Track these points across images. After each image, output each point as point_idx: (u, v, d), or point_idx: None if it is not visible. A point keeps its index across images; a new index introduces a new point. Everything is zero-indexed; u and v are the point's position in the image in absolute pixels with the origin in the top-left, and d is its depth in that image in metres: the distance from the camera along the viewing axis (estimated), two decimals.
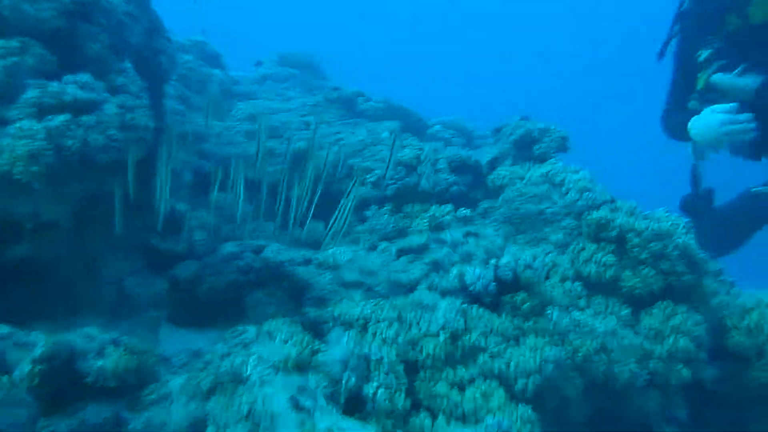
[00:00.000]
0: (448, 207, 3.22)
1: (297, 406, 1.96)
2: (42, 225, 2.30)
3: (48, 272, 2.51)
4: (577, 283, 2.87)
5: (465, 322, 2.39)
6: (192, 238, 3.19)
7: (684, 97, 3.13)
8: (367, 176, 3.46)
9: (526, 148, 3.80)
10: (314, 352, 2.23)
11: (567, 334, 2.53)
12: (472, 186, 3.53)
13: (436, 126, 5.48)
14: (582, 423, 2.54)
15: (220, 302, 2.80)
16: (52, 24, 2.52)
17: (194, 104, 5.41)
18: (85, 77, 2.44)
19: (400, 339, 2.33)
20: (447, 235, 2.79)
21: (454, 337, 2.36)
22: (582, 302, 2.81)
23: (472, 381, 2.29)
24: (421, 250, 2.78)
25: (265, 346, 2.26)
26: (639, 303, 2.86)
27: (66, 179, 2.32)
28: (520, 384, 2.29)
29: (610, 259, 2.92)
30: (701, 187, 3.34)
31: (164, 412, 2.19)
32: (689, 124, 2.91)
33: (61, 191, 2.32)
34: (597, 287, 2.90)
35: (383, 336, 2.33)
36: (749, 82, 2.91)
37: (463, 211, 3.21)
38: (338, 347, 2.26)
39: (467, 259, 2.64)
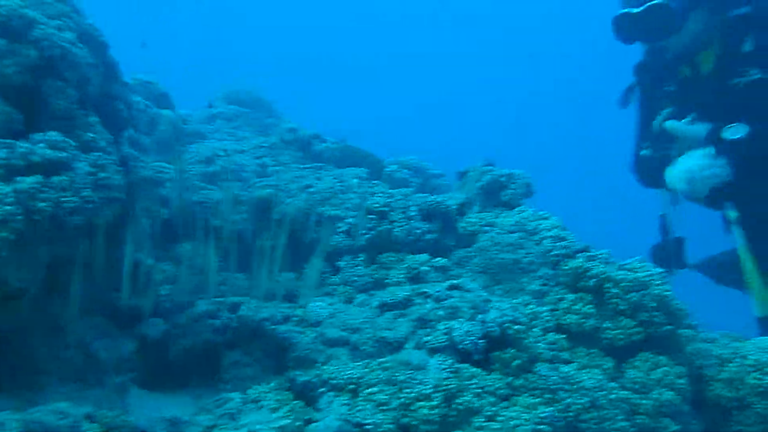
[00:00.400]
0: (424, 256, 3.17)
1: None
2: (8, 294, 2.15)
3: (10, 342, 2.35)
4: (559, 335, 2.84)
5: (457, 382, 2.33)
6: (158, 294, 3.06)
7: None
8: (339, 224, 3.39)
9: (493, 194, 3.79)
10: (307, 422, 2.13)
11: (557, 391, 2.49)
12: (442, 231, 3.48)
13: (392, 166, 5.44)
14: None
15: (194, 364, 2.67)
16: (16, 80, 2.39)
17: (145, 146, 5.25)
18: (54, 135, 2.31)
19: (394, 403, 2.25)
20: (431, 289, 2.73)
21: (448, 398, 2.29)
22: (566, 355, 2.78)
23: None
24: (404, 304, 2.71)
25: (254, 417, 2.15)
26: (620, 353, 2.85)
27: (36, 244, 2.18)
28: None
29: (590, 309, 2.91)
30: (671, 236, 3.41)
31: None
32: (667, 172, 2.98)
33: (30, 257, 2.18)
34: (578, 338, 2.88)
35: (376, 400, 2.24)
36: (700, 129, 3.17)
37: (440, 261, 3.16)
38: (331, 415, 2.17)
39: (453, 314, 2.58)
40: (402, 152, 5.84)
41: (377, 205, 3.43)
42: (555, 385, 2.51)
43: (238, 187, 4.25)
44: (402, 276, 3.05)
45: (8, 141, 2.27)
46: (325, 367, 2.40)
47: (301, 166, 4.75)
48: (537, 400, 2.40)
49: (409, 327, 2.58)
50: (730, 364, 2.88)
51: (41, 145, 2.26)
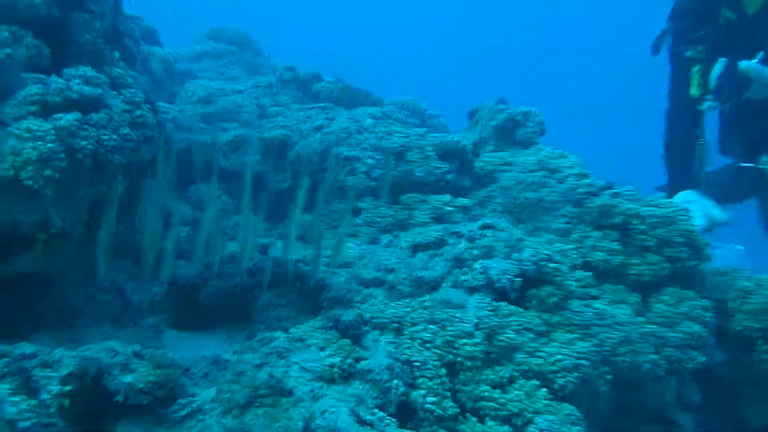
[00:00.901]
0: (447, 197, 3.15)
1: (360, 421, 1.86)
2: (53, 235, 2.10)
3: (53, 284, 2.31)
4: (586, 272, 2.86)
5: (497, 320, 2.34)
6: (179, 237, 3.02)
7: (685, 93, 3.14)
8: (357, 165, 3.35)
9: (508, 133, 3.76)
10: (357, 360, 2.13)
11: (591, 326, 2.52)
12: (459, 172, 3.46)
13: (390, 106, 5.36)
14: (608, 417, 2.54)
15: (225, 306, 2.66)
16: (43, 11, 2.29)
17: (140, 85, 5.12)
18: (88, 71, 2.23)
19: (438, 341, 2.26)
20: (463, 228, 2.72)
21: (490, 336, 2.30)
22: (594, 291, 2.80)
23: (513, 381, 2.25)
24: (438, 244, 2.70)
25: (303, 355, 2.15)
26: (646, 289, 2.88)
27: (78, 183, 2.12)
28: (559, 381, 2.27)
29: (616, 246, 2.92)
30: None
31: (198, 428, 2.05)
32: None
33: (72, 196, 2.13)
34: (605, 275, 2.90)
35: (421, 338, 2.25)
36: None
37: (462, 201, 3.15)
38: (379, 353, 2.17)
39: (488, 253, 2.57)
40: (396, 90, 5.77)
41: (395, 145, 3.39)
42: (589, 321, 2.54)
43: (238, 127, 4.18)
44: (426, 216, 3.03)
45: (39, 75, 2.19)
46: (365, 306, 2.39)
47: (304, 106, 4.67)
48: (574, 335, 2.42)
49: (445, 266, 2.57)
50: (754, 296, 2.93)
51: (76, 81, 2.19)
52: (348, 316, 2.28)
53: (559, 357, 2.30)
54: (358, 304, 2.48)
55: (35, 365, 1.89)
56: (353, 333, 2.26)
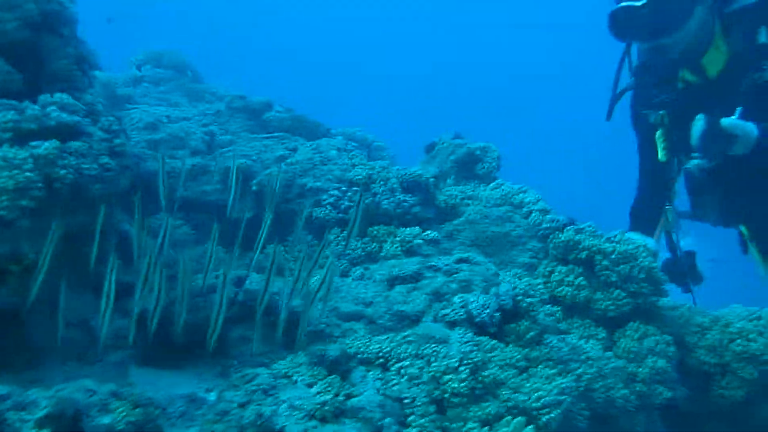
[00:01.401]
0: (417, 229, 3.15)
1: None
2: (27, 268, 1.99)
3: (14, 319, 2.19)
4: (555, 307, 2.90)
5: (481, 355, 2.34)
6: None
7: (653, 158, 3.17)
8: (323, 197, 3.32)
9: (467, 168, 3.81)
10: (348, 397, 2.09)
11: (568, 362, 2.55)
12: (423, 204, 3.47)
13: (338, 137, 5.35)
14: None
15: (197, 340, 2.56)
16: (15, 36, 2.19)
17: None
18: (65, 98, 2.14)
19: (425, 377, 2.24)
20: (438, 262, 2.72)
21: (473, 371, 2.30)
22: (564, 325, 2.85)
23: (499, 417, 2.25)
24: (415, 278, 2.69)
25: (291, 393, 2.09)
26: (611, 324, 2.94)
27: (53, 214, 2.02)
28: (543, 418, 2.28)
29: (582, 281, 2.98)
30: (680, 252, 3.33)
31: None
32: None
33: (47, 228, 2.02)
34: (572, 309, 2.96)
35: (408, 375, 2.23)
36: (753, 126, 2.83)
37: (431, 233, 3.15)
38: (368, 390, 2.14)
39: (467, 287, 2.58)
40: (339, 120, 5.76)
41: (360, 177, 3.38)
42: (566, 356, 2.57)
43: (187, 156, 4.10)
44: (397, 249, 3.02)
45: (12, 102, 2.09)
46: (347, 341, 2.35)
47: (257, 135, 4.60)
48: (553, 371, 2.44)
49: (425, 300, 2.57)
50: (710, 332, 3.03)
51: (53, 107, 2.10)
52: (333, 351, 2.24)
53: (542, 393, 2.31)
54: (339, 339, 2.44)
55: (8, 408, 1.78)
56: (341, 369, 2.22)
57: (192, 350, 2.56)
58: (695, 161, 3.04)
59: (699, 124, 2.83)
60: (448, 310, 2.49)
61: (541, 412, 2.29)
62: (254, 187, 3.50)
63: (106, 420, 1.91)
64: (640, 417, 2.71)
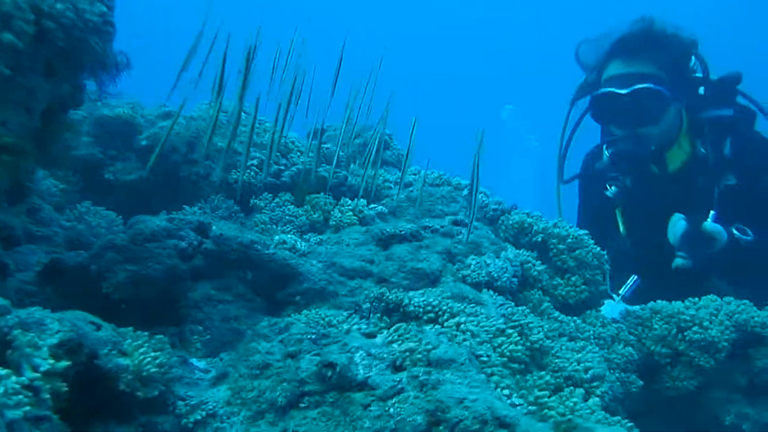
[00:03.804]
0: (362, 201, 2.71)
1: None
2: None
3: None
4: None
5: (524, 319, 1.99)
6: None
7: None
8: (238, 159, 2.75)
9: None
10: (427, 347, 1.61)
11: (576, 339, 2.28)
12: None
13: None
14: None
15: (139, 301, 1.88)
16: None
17: None
18: None
19: (483, 335, 1.82)
20: (432, 223, 2.32)
21: (522, 335, 1.93)
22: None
23: (560, 388, 1.90)
24: (415, 237, 2.26)
25: (357, 341, 1.57)
26: (569, 311, 2.73)
27: (36, 72, 1.37)
28: (598, 391, 1.97)
29: (540, 265, 2.75)
30: None
31: None
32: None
33: (27, 92, 1.36)
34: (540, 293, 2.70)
35: (470, 331, 1.80)
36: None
37: (378, 207, 2.74)
38: (442, 343, 1.67)
39: (476, 249, 2.22)
40: None
41: (287, 140, 2.88)
42: (574, 333, 2.30)
43: None
44: (352, 218, 2.56)
45: None
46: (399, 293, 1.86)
47: None
48: (578, 343, 2.16)
49: (438, 259, 2.15)
50: (654, 321, 2.93)
51: None
52: (394, 296, 1.74)
53: (588, 364, 2.01)
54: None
55: (12, 324, 1.10)
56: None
57: (137, 314, 1.88)
58: (680, 260, 3.12)
59: (679, 224, 2.98)
60: (468, 271, 2.11)
61: (592, 384, 1.98)
62: (143, 142, 2.82)
63: (125, 362, 1.27)
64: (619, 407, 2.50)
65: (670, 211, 3.12)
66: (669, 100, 3.02)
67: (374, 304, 1.77)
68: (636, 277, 3.31)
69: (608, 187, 3.35)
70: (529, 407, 1.65)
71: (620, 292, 3.28)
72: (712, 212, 3.01)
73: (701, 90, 3.19)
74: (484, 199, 2.99)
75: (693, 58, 3.20)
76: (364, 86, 2.03)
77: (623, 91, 2.97)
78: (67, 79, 1.50)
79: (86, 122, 2.82)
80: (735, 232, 3.02)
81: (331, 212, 2.58)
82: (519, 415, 1.30)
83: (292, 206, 2.59)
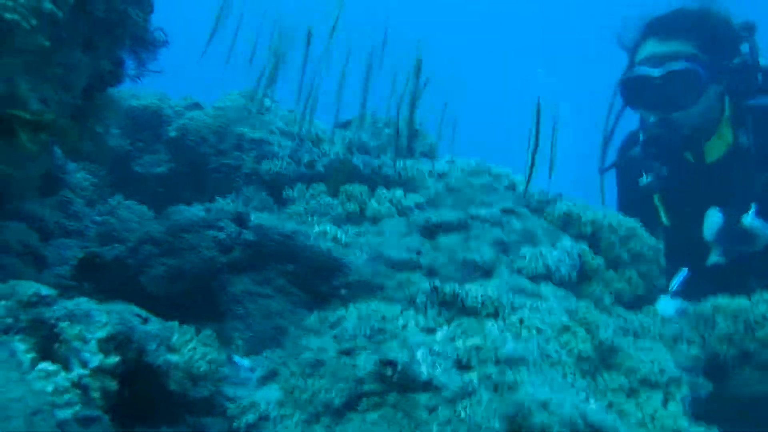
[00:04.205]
0: (399, 191, 2.54)
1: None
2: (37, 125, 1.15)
3: None
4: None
5: (590, 315, 1.81)
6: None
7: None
8: (276, 149, 2.59)
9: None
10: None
11: (645, 332, 2.10)
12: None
13: None
14: None
15: (181, 294, 1.73)
16: None
17: None
18: None
19: (549, 332, 1.65)
20: (482, 212, 2.15)
21: (588, 331, 1.75)
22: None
23: (635, 391, 1.71)
24: (464, 226, 2.09)
25: (416, 336, 1.40)
26: (627, 307, 2.55)
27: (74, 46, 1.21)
28: (676, 395, 1.78)
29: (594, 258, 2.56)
30: None
31: None
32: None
33: (67, 66, 1.21)
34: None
35: (535, 327, 1.62)
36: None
37: (415, 197, 2.56)
38: (505, 338, 1.50)
39: (531, 239, 2.04)
40: None
41: (317, 130, 2.72)
42: (639, 329, 2.11)
43: None
44: (391, 209, 2.39)
45: None
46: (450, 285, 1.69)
47: None
48: (646, 342, 1.98)
49: (491, 250, 1.97)
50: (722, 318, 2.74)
51: None
52: (449, 288, 1.57)
53: (663, 365, 1.83)
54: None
55: (60, 316, 0.94)
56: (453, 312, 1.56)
57: (175, 308, 1.72)
58: (714, 257, 2.91)
59: (715, 218, 2.78)
60: (524, 263, 1.93)
61: (669, 388, 1.79)
62: (172, 133, 2.67)
63: (174, 358, 1.12)
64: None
65: (707, 205, 2.90)
66: (706, 81, 2.79)
67: (430, 297, 1.60)
68: (686, 269, 3.09)
69: (644, 175, 3.11)
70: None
71: (671, 286, 3.07)
72: (753, 206, 2.77)
73: (750, 77, 2.92)
74: (522, 188, 2.82)
75: (747, 44, 3.00)
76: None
77: (655, 73, 2.76)
78: (106, 54, 1.35)
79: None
80: None
81: (368, 203, 2.41)
82: (616, 421, 1.12)
83: (327, 197, 2.42)
